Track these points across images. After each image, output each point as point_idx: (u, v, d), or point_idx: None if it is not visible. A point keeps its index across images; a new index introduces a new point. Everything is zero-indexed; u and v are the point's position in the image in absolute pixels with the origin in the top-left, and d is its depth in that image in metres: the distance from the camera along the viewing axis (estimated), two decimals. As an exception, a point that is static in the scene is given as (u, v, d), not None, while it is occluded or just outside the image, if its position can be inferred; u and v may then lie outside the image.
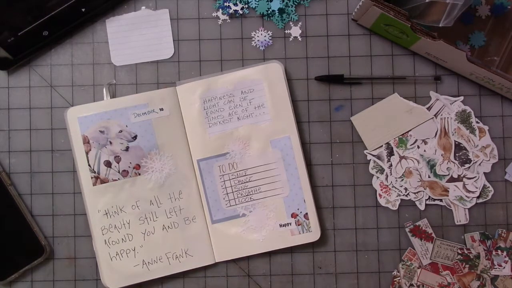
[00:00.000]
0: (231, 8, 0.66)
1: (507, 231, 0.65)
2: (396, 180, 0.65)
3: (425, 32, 0.59)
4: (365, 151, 0.66)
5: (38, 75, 0.66)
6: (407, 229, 0.65)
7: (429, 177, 0.65)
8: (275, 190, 0.64)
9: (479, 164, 0.65)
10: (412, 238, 0.65)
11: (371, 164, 0.65)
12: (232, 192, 0.64)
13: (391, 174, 0.65)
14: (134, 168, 0.64)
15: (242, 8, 0.66)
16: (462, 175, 0.65)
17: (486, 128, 0.65)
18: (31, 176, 0.65)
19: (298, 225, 0.64)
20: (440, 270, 0.64)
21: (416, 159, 0.65)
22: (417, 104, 0.65)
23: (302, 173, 0.64)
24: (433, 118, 0.65)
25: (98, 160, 0.63)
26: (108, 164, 0.64)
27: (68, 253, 0.65)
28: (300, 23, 0.66)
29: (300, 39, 0.66)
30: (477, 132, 0.65)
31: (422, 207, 0.65)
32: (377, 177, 0.65)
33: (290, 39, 0.66)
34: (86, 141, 0.63)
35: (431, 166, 0.65)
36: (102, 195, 0.63)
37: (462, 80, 0.66)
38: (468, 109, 0.65)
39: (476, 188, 0.64)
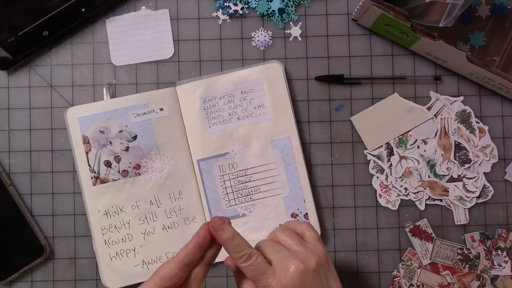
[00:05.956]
0: (231, 8, 0.66)
1: (507, 231, 0.65)
2: (396, 180, 0.65)
3: (425, 32, 0.59)
4: (365, 151, 0.65)
5: (38, 75, 0.66)
6: (407, 229, 0.65)
7: (429, 177, 0.65)
8: (275, 190, 0.64)
9: (479, 164, 0.65)
10: (412, 238, 0.65)
11: (371, 164, 0.65)
12: (232, 192, 0.64)
13: (391, 174, 0.65)
14: (134, 168, 0.64)
15: (242, 8, 0.66)
16: (462, 175, 0.65)
17: (486, 128, 0.65)
18: (31, 176, 0.65)
19: (298, 225, 0.64)
20: (440, 270, 0.64)
21: (416, 159, 0.65)
22: (417, 104, 0.65)
23: (302, 173, 0.64)
24: (433, 118, 0.65)
25: (98, 160, 0.63)
26: (108, 164, 0.63)
27: (68, 253, 0.65)
28: (300, 23, 0.66)
29: (300, 39, 0.66)
30: (477, 132, 0.65)
31: (422, 207, 0.65)
32: (377, 177, 0.65)
33: (290, 39, 0.66)
34: (86, 141, 0.63)
35: (431, 166, 0.65)
36: (102, 195, 0.63)
37: (462, 80, 0.66)
38: (468, 109, 0.65)
39: (476, 188, 0.64)
